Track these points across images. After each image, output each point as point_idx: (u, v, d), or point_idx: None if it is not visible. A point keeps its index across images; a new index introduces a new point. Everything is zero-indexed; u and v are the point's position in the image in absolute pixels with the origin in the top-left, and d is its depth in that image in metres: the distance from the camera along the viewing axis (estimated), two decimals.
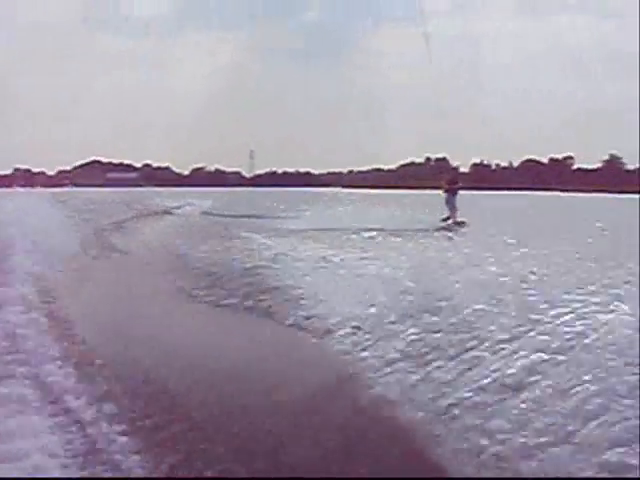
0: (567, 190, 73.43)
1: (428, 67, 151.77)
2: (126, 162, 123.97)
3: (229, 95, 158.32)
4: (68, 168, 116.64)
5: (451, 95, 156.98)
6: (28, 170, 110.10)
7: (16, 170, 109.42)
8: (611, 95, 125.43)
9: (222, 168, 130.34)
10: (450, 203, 26.63)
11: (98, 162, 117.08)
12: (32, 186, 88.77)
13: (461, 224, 25.91)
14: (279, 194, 60.17)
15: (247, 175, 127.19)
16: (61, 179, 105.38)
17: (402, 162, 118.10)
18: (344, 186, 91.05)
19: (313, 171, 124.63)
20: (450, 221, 26.28)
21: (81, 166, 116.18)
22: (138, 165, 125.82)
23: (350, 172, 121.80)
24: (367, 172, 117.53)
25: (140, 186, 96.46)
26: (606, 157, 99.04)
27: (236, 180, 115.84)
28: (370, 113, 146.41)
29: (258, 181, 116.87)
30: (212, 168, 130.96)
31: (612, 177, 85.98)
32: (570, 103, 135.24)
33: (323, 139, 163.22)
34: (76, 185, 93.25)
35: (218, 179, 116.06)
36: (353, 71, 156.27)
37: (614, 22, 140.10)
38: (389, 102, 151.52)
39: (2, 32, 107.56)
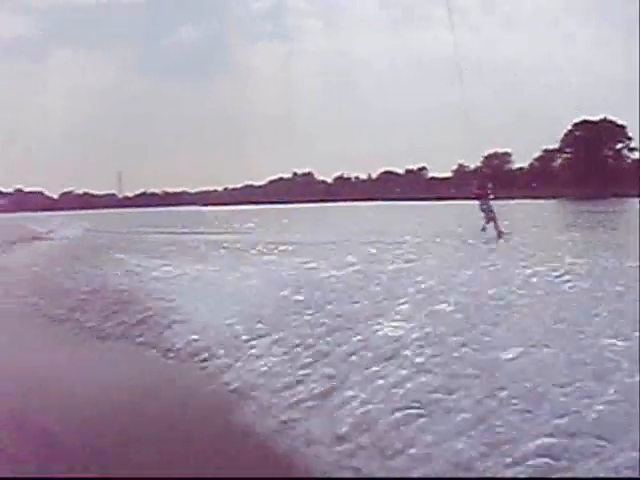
0: (423, 199, 75.36)
1: (296, 84, 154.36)
2: None
3: (99, 116, 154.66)
4: None
5: (314, 111, 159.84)
6: None
7: None
8: (462, 106, 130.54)
9: (90, 191, 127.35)
10: (486, 210, 22.76)
11: None
12: None
13: (505, 234, 21.43)
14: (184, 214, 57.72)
15: (118, 196, 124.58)
16: None
17: (271, 178, 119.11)
18: (214, 204, 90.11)
19: (189, 190, 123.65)
20: (492, 230, 22.07)
21: None
22: (10, 190, 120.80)
23: (225, 189, 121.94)
24: (240, 189, 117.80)
25: (10, 212, 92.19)
26: (455, 166, 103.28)
27: (106, 202, 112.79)
28: (240, 131, 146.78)
29: (128, 202, 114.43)
30: (80, 191, 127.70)
31: (461, 184, 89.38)
32: (424, 115, 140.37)
33: (195, 158, 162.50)
34: None
35: (87, 202, 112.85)
36: (225, 89, 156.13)
37: (473, 36, 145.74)
38: (258, 119, 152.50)
39: None
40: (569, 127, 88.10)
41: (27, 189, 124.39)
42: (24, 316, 12.97)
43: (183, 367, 8.84)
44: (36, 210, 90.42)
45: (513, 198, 51.98)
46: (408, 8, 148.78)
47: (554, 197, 62.44)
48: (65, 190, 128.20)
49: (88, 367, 9.20)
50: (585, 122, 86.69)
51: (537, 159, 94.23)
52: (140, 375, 8.71)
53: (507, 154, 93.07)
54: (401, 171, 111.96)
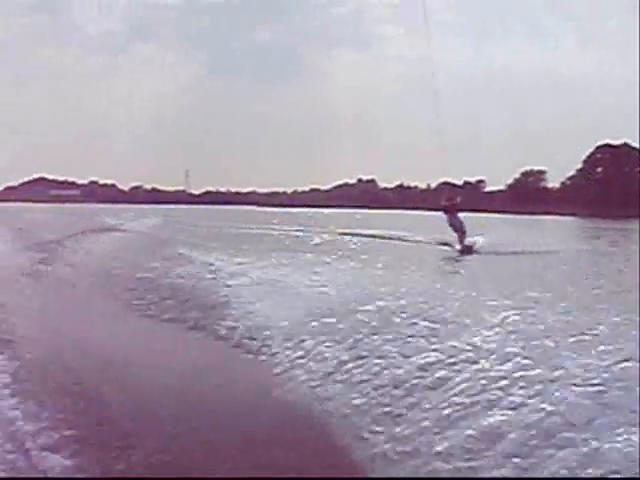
0: (479, 210, 74.30)
1: (370, 91, 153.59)
2: (70, 179, 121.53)
3: (174, 114, 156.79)
4: (15, 184, 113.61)
5: (386, 120, 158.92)
6: None
7: None
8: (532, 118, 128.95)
9: (158, 187, 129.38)
10: (454, 224, 21.52)
11: (44, 179, 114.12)
12: None
13: (469, 250, 20.70)
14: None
15: (187, 193, 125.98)
16: (8, 195, 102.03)
17: (336, 183, 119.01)
18: (280, 205, 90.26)
19: (259, 190, 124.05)
20: (458, 246, 21.12)
21: (27, 182, 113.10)
22: (84, 182, 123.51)
23: (294, 192, 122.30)
24: (306, 192, 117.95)
25: (83, 202, 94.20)
26: (510, 181, 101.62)
27: (174, 198, 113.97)
28: (313, 135, 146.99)
29: (195, 199, 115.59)
30: (149, 186, 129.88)
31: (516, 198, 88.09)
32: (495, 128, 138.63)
33: (262, 159, 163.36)
34: (22, 201, 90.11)
35: (156, 197, 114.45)
36: (297, 93, 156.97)
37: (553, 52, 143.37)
38: (328, 124, 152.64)
39: None
40: (591, 150, 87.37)
41: (101, 181, 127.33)
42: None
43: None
44: (106, 202, 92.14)
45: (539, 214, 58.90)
46: (488, 20, 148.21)
47: (574, 215, 63.30)
48: (135, 184, 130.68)
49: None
50: (607, 145, 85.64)
51: (569, 178, 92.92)
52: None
53: (542, 172, 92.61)
54: (460, 182, 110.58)
